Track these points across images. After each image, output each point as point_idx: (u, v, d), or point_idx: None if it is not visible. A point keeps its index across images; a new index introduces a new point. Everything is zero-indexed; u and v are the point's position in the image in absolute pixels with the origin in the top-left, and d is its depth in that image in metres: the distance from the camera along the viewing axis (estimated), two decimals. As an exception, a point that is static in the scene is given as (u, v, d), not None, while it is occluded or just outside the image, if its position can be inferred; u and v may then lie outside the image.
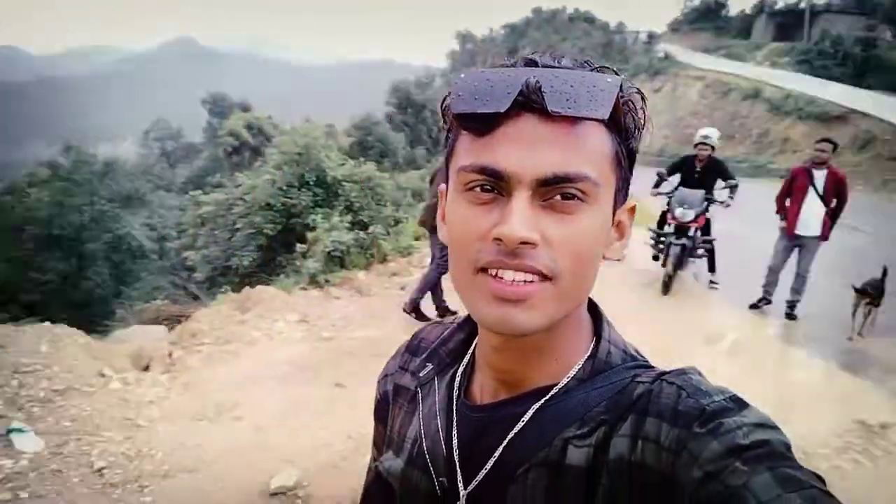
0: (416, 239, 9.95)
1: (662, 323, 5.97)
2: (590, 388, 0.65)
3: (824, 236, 5.97)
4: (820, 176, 5.90)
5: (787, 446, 0.52)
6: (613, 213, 0.64)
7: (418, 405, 0.78)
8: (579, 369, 0.66)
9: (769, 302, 6.43)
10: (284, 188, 12.19)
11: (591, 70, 0.61)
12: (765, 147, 24.66)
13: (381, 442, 0.87)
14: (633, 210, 0.68)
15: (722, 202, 6.79)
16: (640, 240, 9.39)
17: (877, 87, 28.52)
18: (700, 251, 7.03)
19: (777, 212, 6.27)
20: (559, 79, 0.57)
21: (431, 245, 5.70)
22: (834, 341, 5.68)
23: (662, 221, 7.41)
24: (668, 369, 0.64)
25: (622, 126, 0.61)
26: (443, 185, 0.69)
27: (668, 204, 7.05)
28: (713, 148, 6.98)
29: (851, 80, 29.02)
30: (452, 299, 5.90)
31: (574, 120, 0.57)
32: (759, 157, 23.56)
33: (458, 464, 0.69)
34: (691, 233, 6.83)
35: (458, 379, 0.76)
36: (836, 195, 5.90)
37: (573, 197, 0.58)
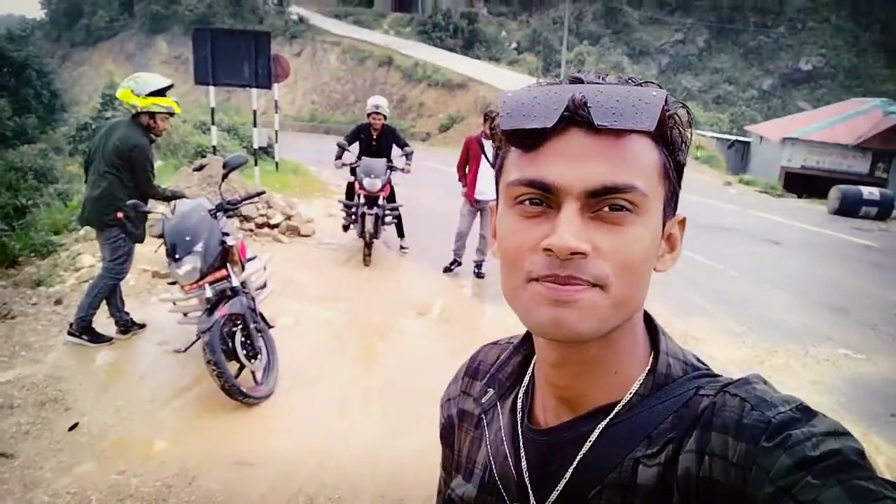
0: (56, 233, 8.07)
1: (374, 297, 6.00)
2: (653, 404, 0.64)
3: None
4: (489, 145, 6.39)
5: (860, 453, 0.50)
6: (663, 226, 0.64)
7: (484, 431, 0.78)
8: (640, 385, 0.66)
9: (459, 264, 6.94)
10: None
11: (636, 85, 0.62)
12: (405, 111, 26.76)
13: (450, 465, 0.87)
14: (683, 223, 0.68)
15: (402, 169, 7.06)
16: (322, 213, 9.35)
17: (483, 58, 33.40)
18: (389, 218, 7.23)
19: (459, 180, 6.65)
20: (604, 94, 0.57)
21: (100, 246, 4.50)
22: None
23: (350, 192, 7.41)
24: (731, 379, 0.64)
25: (668, 139, 0.62)
26: (492, 202, 0.71)
27: (354, 174, 7.05)
28: (385, 116, 7.16)
29: (463, 51, 33.38)
30: (141, 310, 4.92)
31: (620, 133, 0.57)
32: (401, 121, 25.50)
33: (529, 488, 0.69)
34: (380, 201, 6.97)
35: (519, 402, 0.76)
36: None
37: (621, 208, 0.58)
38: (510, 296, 0.63)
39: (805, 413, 0.54)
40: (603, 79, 0.63)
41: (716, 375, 0.67)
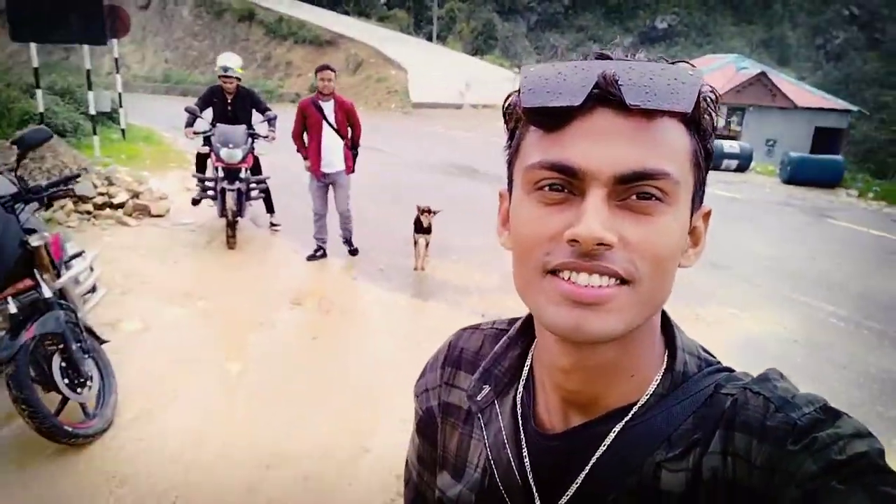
0: None
1: (241, 287, 5.23)
2: (672, 404, 0.60)
3: (351, 169, 5.79)
4: (329, 108, 5.56)
5: (883, 454, 0.49)
6: (691, 216, 0.58)
7: (481, 430, 0.73)
8: (658, 384, 0.62)
9: (324, 252, 6.03)
10: None
11: (669, 64, 0.55)
12: (271, 71, 25.05)
13: (429, 459, 0.83)
14: (708, 215, 0.63)
15: (266, 136, 6.26)
16: (179, 188, 8.27)
17: (352, 14, 31.92)
18: (255, 193, 6.41)
19: (297, 151, 5.79)
20: (636, 71, 0.52)
21: None
22: (401, 271, 5.89)
23: (202, 165, 6.51)
24: (749, 375, 0.62)
25: (701, 124, 0.56)
26: (502, 188, 0.68)
27: (209, 144, 6.15)
28: (239, 78, 6.29)
29: (330, 6, 31.67)
30: None
31: (652, 115, 0.52)
32: (267, 81, 23.79)
33: (536, 496, 0.65)
34: (243, 175, 6.12)
35: (519, 398, 0.71)
36: (349, 125, 5.70)
37: (651, 196, 0.53)
38: (523, 289, 0.58)
39: (829, 413, 0.53)
40: (633, 56, 0.57)
41: (730, 369, 0.64)
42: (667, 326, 0.66)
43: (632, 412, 0.61)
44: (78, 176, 3.32)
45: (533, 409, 0.69)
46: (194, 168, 6.72)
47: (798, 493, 0.49)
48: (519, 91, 0.58)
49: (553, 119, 0.54)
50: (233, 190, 5.90)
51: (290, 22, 25.77)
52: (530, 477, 0.66)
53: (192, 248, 6.10)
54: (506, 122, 0.63)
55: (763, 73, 24.17)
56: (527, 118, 0.57)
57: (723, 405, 0.58)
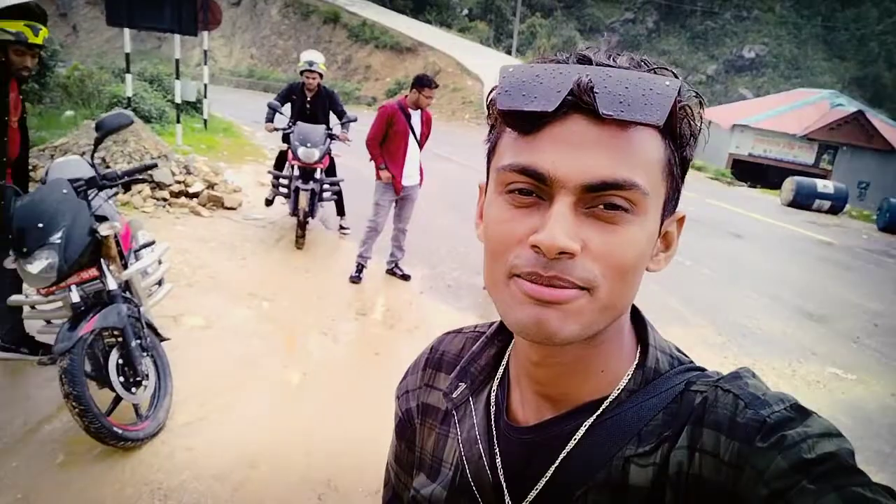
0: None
1: (306, 290, 5.05)
2: (642, 400, 0.60)
3: (421, 183, 5.39)
4: (416, 118, 5.17)
5: (852, 454, 0.49)
6: (661, 224, 0.58)
7: (455, 428, 0.73)
8: (629, 380, 0.62)
9: (402, 273, 5.60)
10: None
11: (649, 70, 0.56)
12: (350, 73, 25.35)
13: (406, 461, 0.83)
14: (682, 220, 0.63)
15: (344, 139, 6.09)
16: (253, 182, 8.25)
17: (434, 23, 32.06)
18: (328, 194, 6.25)
19: (372, 159, 5.20)
20: (613, 79, 0.52)
21: None
22: (472, 289, 5.59)
23: (281, 162, 6.40)
24: (720, 373, 0.61)
25: (677, 133, 0.56)
26: (482, 181, 0.67)
27: (288, 142, 6.03)
28: (321, 74, 6.14)
29: (413, 14, 31.90)
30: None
31: (626, 124, 0.52)
32: (346, 83, 24.06)
33: (505, 490, 0.65)
34: (318, 175, 5.96)
35: (493, 397, 0.71)
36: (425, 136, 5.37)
37: (618, 207, 0.53)
38: (491, 288, 0.59)
39: (799, 412, 0.53)
40: (614, 60, 0.56)
41: (702, 369, 0.64)
42: (639, 324, 0.66)
43: (602, 407, 0.62)
44: (154, 166, 3.16)
45: (507, 404, 0.70)
46: (273, 164, 6.62)
47: (767, 491, 0.48)
48: (495, 90, 0.58)
49: (527, 122, 0.54)
50: (307, 189, 5.74)
51: (373, 27, 26.03)
52: (500, 472, 0.66)
53: (260, 245, 5.96)
54: (488, 115, 0.62)
55: (860, 112, 22.74)
56: (502, 119, 0.57)
57: (693, 402, 0.58)
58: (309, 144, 5.76)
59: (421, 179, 5.40)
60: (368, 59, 25.57)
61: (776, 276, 7.81)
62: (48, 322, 3.05)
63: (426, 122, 5.27)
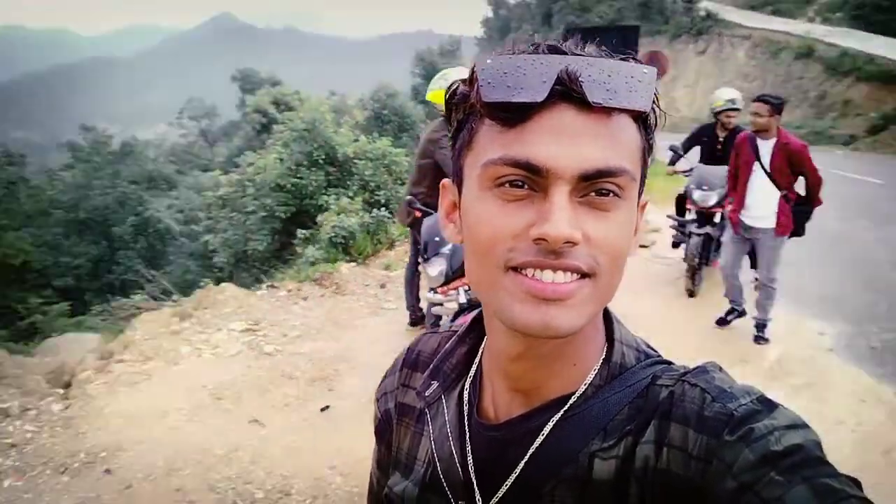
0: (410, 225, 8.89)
1: (687, 337, 4.98)
2: (608, 395, 0.62)
3: (783, 230, 4.45)
4: (766, 147, 4.38)
5: (819, 445, 0.50)
6: (637, 209, 0.61)
7: (428, 426, 0.74)
8: (595, 375, 0.64)
9: (741, 313, 4.99)
10: (293, 167, 11.43)
11: (621, 59, 0.56)
12: (823, 111, 22.78)
13: (385, 463, 0.84)
14: (643, 206, 0.64)
15: None
16: (666, 221, 8.40)
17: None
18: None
19: (727, 194, 4.89)
20: (595, 67, 0.53)
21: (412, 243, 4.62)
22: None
23: (682, 206, 6.29)
24: (687, 368, 0.62)
25: (648, 120, 0.59)
26: (446, 180, 0.67)
27: (686, 185, 5.97)
28: (738, 110, 5.73)
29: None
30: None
31: (610, 112, 0.54)
32: (818, 121, 21.71)
33: (475, 485, 0.67)
34: (716, 219, 5.66)
35: (466, 394, 0.73)
36: (796, 174, 4.40)
37: (609, 193, 0.55)
38: (484, 286, 0.59)
39: (766, 405, 0.53)
40: (582, 49, 0.57)
41: (668, 362, 0.65)
42: (607, 318, 0.67)
43: (569, 402, 0.62)
44: None
45: (479, 402, 0.71)
46: (674, 210, 6.52)
47: (735, 484, 0.49)
48: (469, 81, 0.57)
49: (513, 114, 0.53)
50: (699, 234, 5.54)
51: (855, 57, 22.79)
52: (471, 468, 0.67)
53: (657, 283, 6.10)
54: (449, 112, 0.62)
55: None
56: (485, 112, 0.56)
57: (658, 396, 0.59)
58: (706, 187, 5.58)
59: (781, 225, 4.47)
60: (847, 92, 22.47)
61: None
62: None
63: (786, 153, 4.35)
